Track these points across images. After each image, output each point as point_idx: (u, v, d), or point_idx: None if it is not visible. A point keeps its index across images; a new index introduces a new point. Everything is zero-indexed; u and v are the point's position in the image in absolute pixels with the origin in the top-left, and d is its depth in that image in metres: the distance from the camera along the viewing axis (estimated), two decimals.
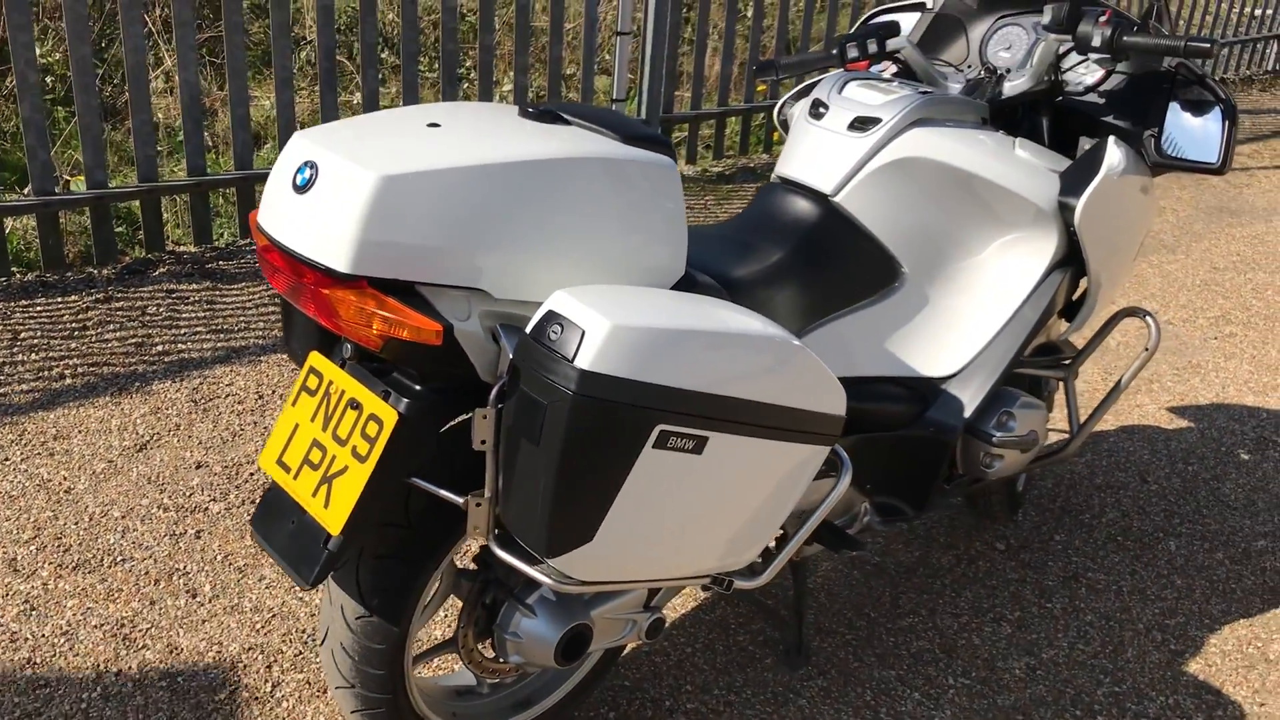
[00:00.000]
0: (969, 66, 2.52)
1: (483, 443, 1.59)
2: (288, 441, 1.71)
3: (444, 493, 1.65)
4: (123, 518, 2.74)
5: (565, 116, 1.73)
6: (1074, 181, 2.18)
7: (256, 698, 2.22)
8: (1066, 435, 2.56)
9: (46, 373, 3.37)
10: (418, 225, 1.47)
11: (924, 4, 2.63)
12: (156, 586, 2.51)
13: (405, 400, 1.60)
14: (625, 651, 2.43)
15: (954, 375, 2.24)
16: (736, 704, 2.32)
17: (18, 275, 3.97)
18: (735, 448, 1.62)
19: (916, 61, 2.38)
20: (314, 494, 1.64)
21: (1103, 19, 2.22)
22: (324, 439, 1.66)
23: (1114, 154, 2.22)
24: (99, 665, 2.28)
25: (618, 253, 1.65)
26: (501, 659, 1.89)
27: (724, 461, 1.62)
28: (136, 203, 4.15)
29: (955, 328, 2.24)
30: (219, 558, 2.62)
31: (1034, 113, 2.39)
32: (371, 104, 4.46)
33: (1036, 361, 2.40)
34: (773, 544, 2.01)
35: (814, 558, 2.79)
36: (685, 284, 1.77)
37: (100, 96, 4.55)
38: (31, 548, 2.61)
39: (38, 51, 4.65)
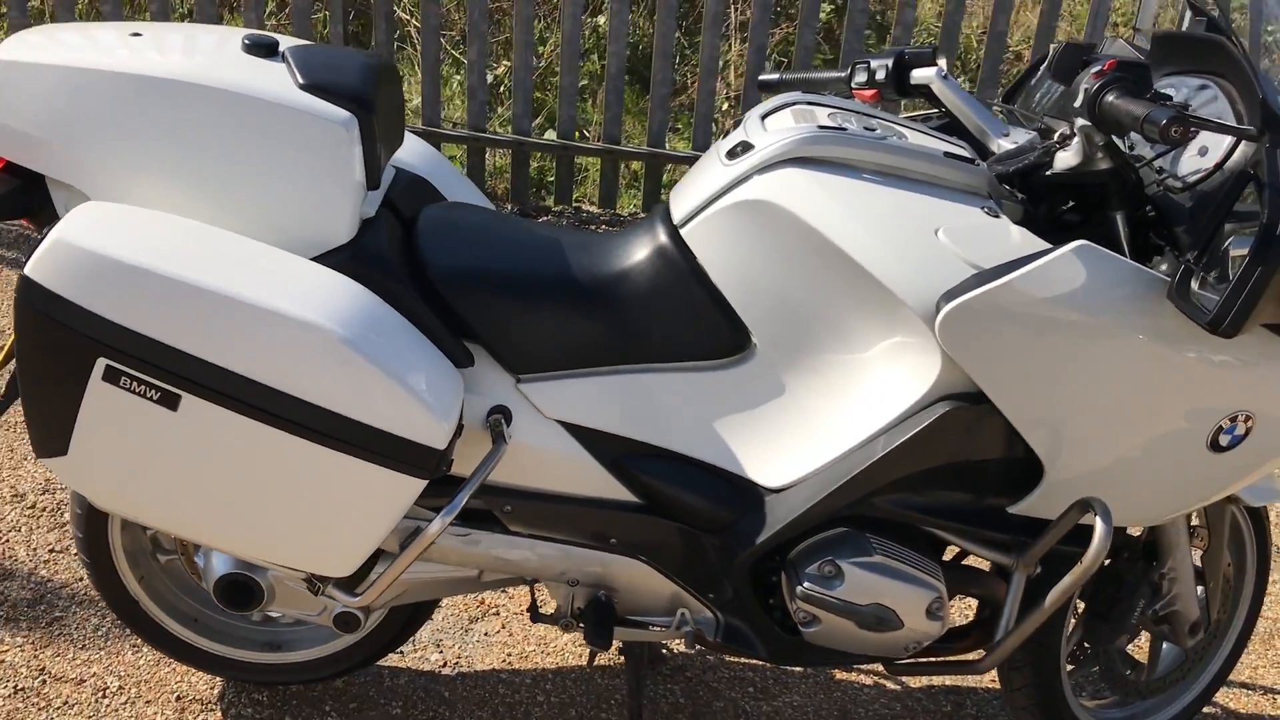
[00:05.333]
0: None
1: None
2: None
3: None
4: None
5: (284, 54, 1.67)
6: (973, 283, 1.54)
7: None
8: None
9: None
10: (21, 111, 1.56)
11: (1091, 47, 1.96)
12: None
13: None
14: (493, 666, 2.26)
15: (779, 490, 1.72)
16: None
17: None
18: (227, 422, 1.48)
19: (953, 102, 1.82)
20: None
21: (1098, 68, 1.51)
22: None
23: (1056, 263, 1.51)
24: None
25: (244, 196, 1.58)
26: None
27: (214, 433, 1.49)
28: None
29: (801, 433, 1.71)
30: None
31: (1106, 207, 1.69)
32: None
33: (954, 528, 1.72)
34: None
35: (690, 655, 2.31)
36: (343, 253, 1.62)
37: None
38: None
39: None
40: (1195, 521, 2.08)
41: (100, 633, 2.25)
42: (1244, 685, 2.43)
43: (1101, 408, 1.59)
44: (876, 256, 1.58)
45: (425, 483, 1.56)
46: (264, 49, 1.66)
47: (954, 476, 1.67)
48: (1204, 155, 1.64)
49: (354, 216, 1.61)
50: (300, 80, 1.59)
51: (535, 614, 1.95)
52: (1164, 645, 2.18)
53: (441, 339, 1.66)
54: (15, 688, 2.11)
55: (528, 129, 4.43)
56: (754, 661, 2.35)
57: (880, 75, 1.85)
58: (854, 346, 1.68)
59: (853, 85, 1.90)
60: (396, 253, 1.68)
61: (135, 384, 1.47)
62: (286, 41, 1.71)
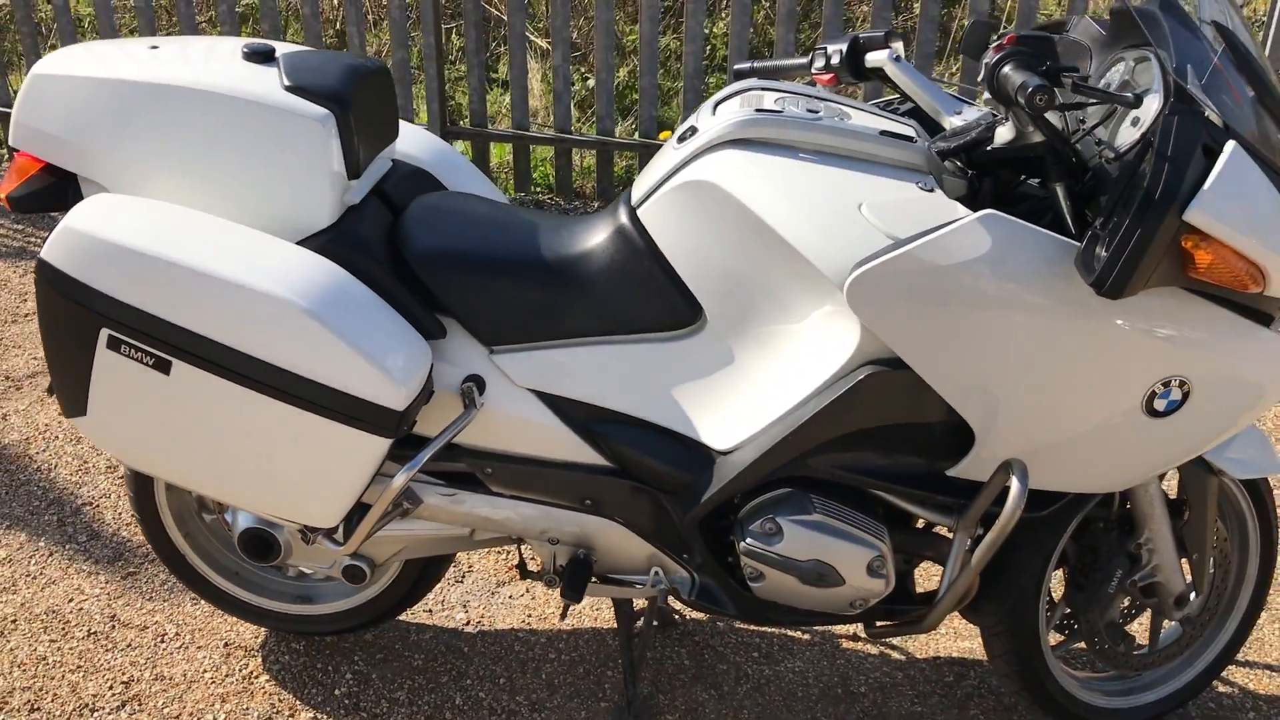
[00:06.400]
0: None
1: None
2: None
3: None
4: None
5: (278, 59, 1.86)
6: (883, 253, 1.61)
7: None
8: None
9: None
10: (53, 116, 1.81)
11: (1061, 24, 2.00)
12: None
13: None
14: (512, 626, 2.43)
15: (726, 452, 1.82)
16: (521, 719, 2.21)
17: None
18: (212, 385, 1.68)
19: (905, 84, 1.89)
20: None
21: (998, 40, 1.57)
22: None
23: (959, 231, 1.57)
24: None
25: (235, 186, 1.79)
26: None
27: (202, 394, 1.69)
28: None
29: (746, 399, 1.80)
30: None
31: (1046, 179, 1.74)
32: None
33: (896, 490, 1.78)
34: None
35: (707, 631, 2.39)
36: (323, 236, 1.80)
37: None
38: None
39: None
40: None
41: (166, 587, 2.51)
42: (1268, 667, 2.39)
43: (1020, 373, 1.64)
44: (798, 230, 1.67)
45: (390, 441, 1.73)
46: (261, 55, 1.87)
47: (886, 439, 1.74)
48: (1136, 125, 1.68)
49: (334, 203, 1.80)
50: (285, 82, 1.79)
51: (523, 571, 2.11)
52: (1164, 620, 2.18)
53: (414, 313, 1.83)
54: (89, 631, 2.38)
55: (611, 129, 4.59)
56: (762, 628, 2.45)
57: (835, 60, 1.93)
58: (791, 316, 1.77)
59: (813, 70, 1.98)
60: (377, 236, 1.86)
61: (133, 351, 1.69)
62: (283, 48, 1.91)
